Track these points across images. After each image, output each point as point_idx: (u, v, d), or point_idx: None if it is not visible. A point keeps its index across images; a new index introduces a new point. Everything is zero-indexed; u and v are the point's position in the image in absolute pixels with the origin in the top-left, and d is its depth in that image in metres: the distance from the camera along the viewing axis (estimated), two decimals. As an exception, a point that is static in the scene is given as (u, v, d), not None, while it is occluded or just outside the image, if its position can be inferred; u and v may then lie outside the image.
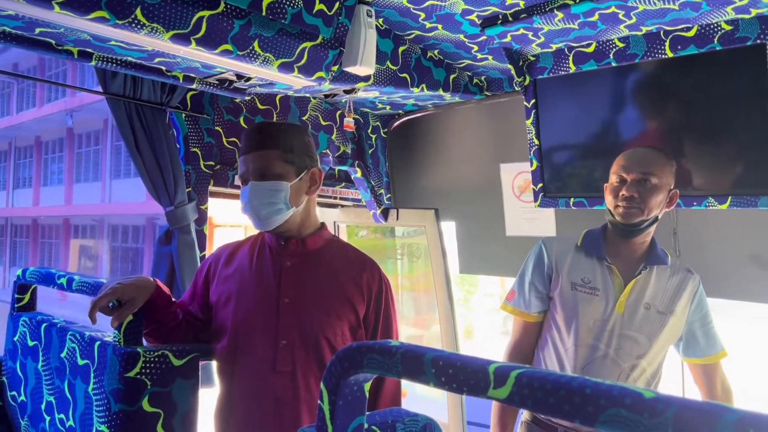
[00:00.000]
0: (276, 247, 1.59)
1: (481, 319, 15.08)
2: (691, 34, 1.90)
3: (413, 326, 3.12)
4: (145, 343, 1.49)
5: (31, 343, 1.69)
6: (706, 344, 1.77)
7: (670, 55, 1.96)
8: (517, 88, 2.37)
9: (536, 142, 2.33)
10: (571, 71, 2.18)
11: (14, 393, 1.74)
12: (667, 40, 1.95)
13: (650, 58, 2.00)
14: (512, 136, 2.63)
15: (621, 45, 2.04)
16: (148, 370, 1.39)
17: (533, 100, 2.31)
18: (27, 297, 1.81)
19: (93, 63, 1.74)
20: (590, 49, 2.11)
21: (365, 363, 0.78)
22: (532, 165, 2.34)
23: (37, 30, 1.53)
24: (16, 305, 1.80)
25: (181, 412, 1.45)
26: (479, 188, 2.78)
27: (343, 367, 0.81)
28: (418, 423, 0.97)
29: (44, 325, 1.65)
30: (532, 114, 2.32)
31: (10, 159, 22.80)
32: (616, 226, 1.75)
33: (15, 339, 1.76)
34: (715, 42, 1.86)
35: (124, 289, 1.42)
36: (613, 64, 2.08)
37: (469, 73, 2.53)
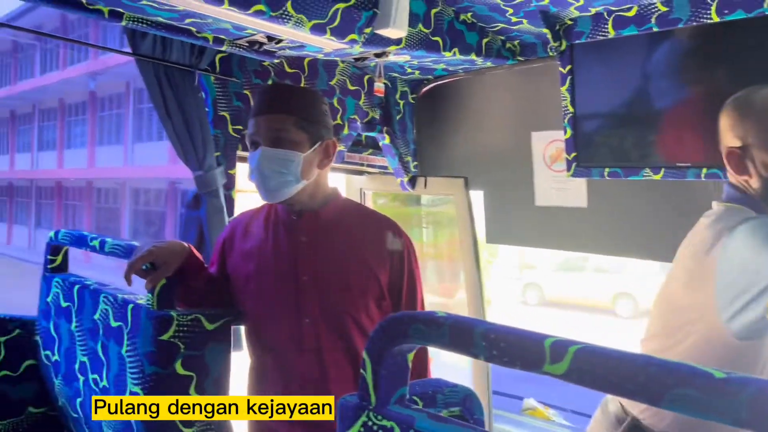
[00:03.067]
0: (289, 222, 1.54)
1: (499, 288, 15.12)
2: (739, -3, 1.81)
3: (438, 294, 3.11)
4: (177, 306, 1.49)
5: (64, 304, 1.70)
6: None
7: (716, 19, 1.88)
8: (551, 54, 2.30)
9: (570, 109, 2.27)
10: (610, 36, 2.10)
11: (48, 352, 1.77)
12: (713, 4, 1.86)
13: (694, 23, 1.92)
14: (545, 103, 2.56)
15: (664, 9, 1.96)
16: (181, 334, 1.39)
17: (569, 66, 2.24)
18: (59, 258, 1.82)
19: (123, 23, 1.71)
20: (631, 13, 2.03)
21: (410, 333, 0.77)
22: (566, 133, 2.29)
23: (68, -11, 1.50)
24: (48, 266, 1.82)
25: (214, 376, 1.45)
26: (509, 157, 2.73)
27: (387, 336, 0.79)
28: (458, 394, 0.96)
29: (77, 286, 1.66)
30: (568, 80, 2.25)
31: (35, 121, 23.02)
32: None
33: (48, 300, 1.78)
34: (765, 6, 1.78)
35: (159, 252, 1.41)
36: (655, 29, 2.00)
37: (502, 37, 2.46)
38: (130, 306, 1.45)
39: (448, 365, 2.96)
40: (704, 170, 1.97)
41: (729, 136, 1.40)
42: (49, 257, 1.82)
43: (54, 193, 21.99)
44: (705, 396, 0.53)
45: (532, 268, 15.54)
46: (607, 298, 13.71)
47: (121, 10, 1.67)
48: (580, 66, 2.23)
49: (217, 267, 1.63)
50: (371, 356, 0.81)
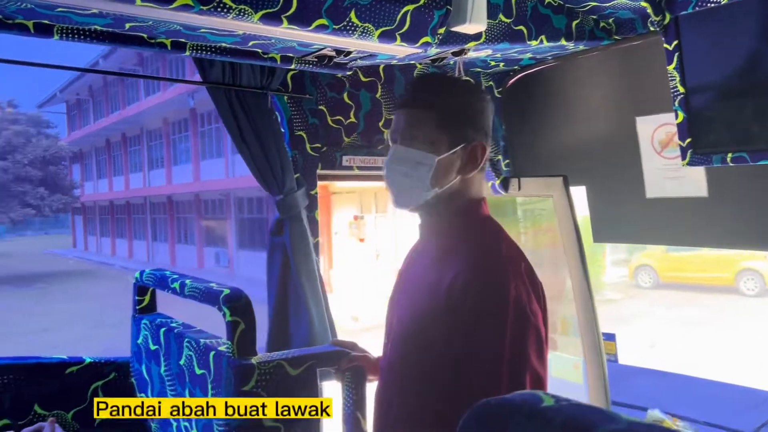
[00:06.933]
0: (421, 241, 1.39)
1: (608, 273, 14.47)
2: None
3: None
4: (259, 351, 1.41)
5: (153, 347, 1.67)
6: None
7: None
8: (653, 29, 2.03)
9: (681, 90, 1.99)
10: (722, 2, 1.82)
11: (143, 395, 1.75)
12: None
13: None
14: (648, 84, 2.28)
15: None
16: (264, 383, 1.31)
17: (675, 41, 1.97)
18: (147, 299, 1.80)
19: (187, 53, 1.65)
20: None
21: (510, 428, 0.61)
22: (677, 117, 2.01)
23: (127, 25, 1.46)
24: (137, 307, 1.80)
25: (302, 423, 1.36)
26: (612, 146, 2.47)
27: (480, 426, 0.64)
28: None
29: (163, 329, 1.62)
30: (675, 57, 1.98)
31: (143, 142, 24.52)
32: None
33: (139, 342, 1.76)
34: None
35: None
36: (778, -12, 1.70)
37: (594, 17, 2.21)
38: (212, 353, 1.38)
39: (552, 377, 2.75)
40: None
41: None
42: (137, 298, 1.80)
43: (166, 208, 23.30)
44: None
45: (643, 248, 14.73)
46: (729, 274, 12.72)
47: (183, 41, 1.61)
48: (689, 39, 1.95)
49: None
50: (463, 448, 0.66)
